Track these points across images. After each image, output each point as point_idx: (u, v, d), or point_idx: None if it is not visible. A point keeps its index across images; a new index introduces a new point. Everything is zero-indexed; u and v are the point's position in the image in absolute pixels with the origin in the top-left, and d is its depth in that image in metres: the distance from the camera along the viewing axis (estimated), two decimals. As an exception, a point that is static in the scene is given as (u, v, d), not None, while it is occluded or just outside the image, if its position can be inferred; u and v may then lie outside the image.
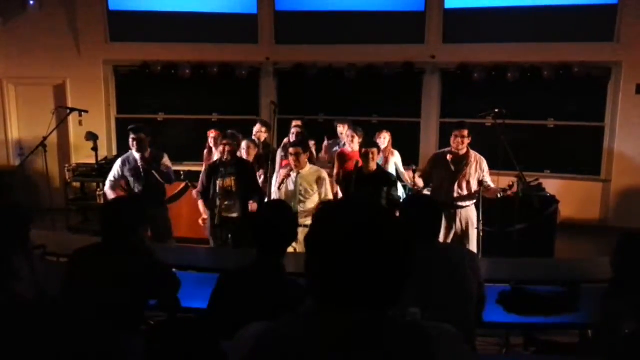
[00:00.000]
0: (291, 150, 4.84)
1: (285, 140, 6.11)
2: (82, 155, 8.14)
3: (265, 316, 1.35)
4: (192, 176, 6.65)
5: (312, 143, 5.84)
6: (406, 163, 5.76)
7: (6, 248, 2.73)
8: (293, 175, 4.81)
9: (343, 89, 8.11)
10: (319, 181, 4.81)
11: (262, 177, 5.40)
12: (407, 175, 5.98)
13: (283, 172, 4.90)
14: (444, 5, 7.86)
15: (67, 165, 7.81)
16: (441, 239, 4.17)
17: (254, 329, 1.28)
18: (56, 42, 8.27)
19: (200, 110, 8.45)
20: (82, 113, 6.63)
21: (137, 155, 5.06)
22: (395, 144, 6.07)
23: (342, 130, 6.20)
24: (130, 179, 5.10)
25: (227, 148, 4.85)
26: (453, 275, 2.49)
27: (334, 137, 6.50)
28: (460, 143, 4.80)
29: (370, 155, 4.77)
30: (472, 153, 4.89)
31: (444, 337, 1.19)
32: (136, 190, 5.08)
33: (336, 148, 6.21)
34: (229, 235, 4.96)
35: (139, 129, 5.09)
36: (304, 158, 4.80)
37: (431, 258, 2.46)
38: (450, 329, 1.22)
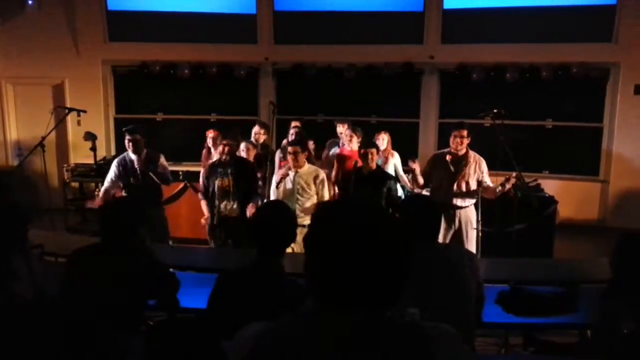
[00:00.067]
0: (290, 149, 4.84)
1: (284, 141, 6.10)
2: (81, 155, 8.13)
3: (264, 316, 1.35)
4: (191, 176, 6.65)
5: (311, 144, 5.84)
6: (406, 163, 5.74)
7: (5, 248, 2.72)
8: (291, 174, 4.81)
9: (342, 89, 8.11)
10: (317, 180, 4.81)
11: (261, 178, 5.39)
12: (405, 177, 5.97)
13: (281, 170, 4.91)
14: (442, 6, 7.86)
15: (65, 165, 7.80)
16: (440, 239, 4.18)
17: (254, 329, 1.28)
18: (55, 42, 8.26)
19: (199, 110, 8.45)
20: (81, 113, 6.62)
21: (133, 156, 5.05)
22: (394, 144, 6.06)
23: (342, 130, 6.19)
24: (127, 181, 5.08)
25: (226, 148, 4.85)
26: (452, 275, 2.49)
27: (333, 137, 6.48)
28: (460, 143, 4.80)
29: (370, 156, 4.78)
30: (471, 153, 4.89)
31: (443, 337, 1.19)
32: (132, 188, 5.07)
33: (335, 148, 6.20)
34: (229, 236, 4.95)
35: (134, 129, 5.08)
36: (302, 157, 4.80)
37: (430, 258, 2.46)
38: (450, 329, 1.22)
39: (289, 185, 4.81)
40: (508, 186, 4.71)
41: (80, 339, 1.93)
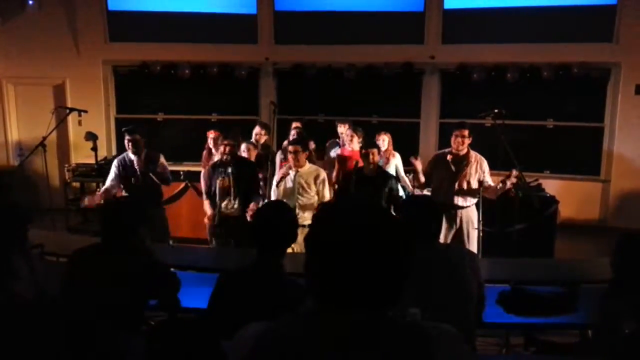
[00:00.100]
0: (290, 148, 4.84)
1: (285, 142, 6.10)
2: (82, 155, 8.14)
3: (264, 316, 1.35)
4: (192, 176, 6.65)
5: (311, 144, 5.82)
6: (407, 162, 5.75)
7: (5, 248, 2.73)
8: (292, 173, 4.81)
9: (342, 89, 8.11)
10: (318, 180, 4.81)
11: (262, 179, 5.39)
12: (406, 178, 5.97)
13: (282, 170, 4.91)
14: (443, 6, 7.86)
15: (66, 165, 7.81)
16: (441, 239, 4.17)
17: (254, 329, 1.28)
18: (55, 42, 8.26)
19: (200, 110, 8.45)
20: (82, 113, 6.63)
21: (132, 157, 5.05)
22: (395, 144, 6.06)
23: (342, 130, 6.18)
24: (127, 181, 5.08)
25: (227, 148, 4.85)
26: (453, 275, 2.49)
27: (334, 137, 6.47)
28: (461, 143, 4.80)
29: (371, 156, 4.78)
30: (473, 153, 4.89)
31: (444, 337, 1.19)
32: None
33: (336, 148, 6.19)
34: (229, 235, 4.95)
35: (134, 129, 5.08)
36: (303, 156, 4.80)
37: (431, 258, 2.46)
38: (450, 329, 1.22)
39: (290, 185, 4.81)
40: (509, 183, 4.71)
41: (80, 339, 1.93)
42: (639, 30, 7.27)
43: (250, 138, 5.90)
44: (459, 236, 4.86)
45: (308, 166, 4.88)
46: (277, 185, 4.87)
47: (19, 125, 8.61)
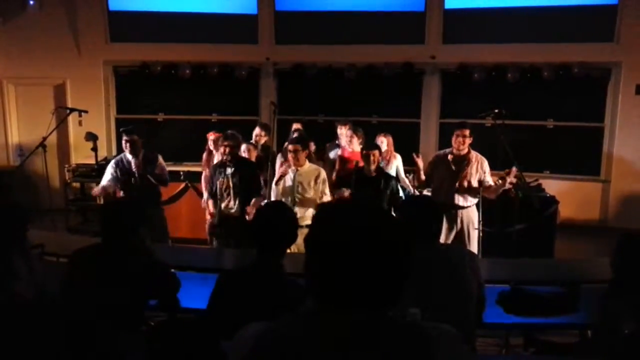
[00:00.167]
0: (290, 147, 4.83)
1: (286, 144, 6.08)
2: (82, 155, 8.14)
3: (264, 316, 1.35)
4: (192, 177, 6.66)
5: (311, 145, 5.81)
6: (408, 162, 5.75)
7: (5, 248, 2.73)
8: (291, 172, 4.81)
9: (343, 90, 8.11)
10: (318, 179, 4.80)
11: (262, 180, 5.39)
12: (407, 180, 5.96)
13: (282, 168, 4.91)
14: (443, 6, 7.86)
15: (66, 166, 7.81)
16: (442, 239, 4.18)
17: (254, 329, 1.28)
18: (56, 42, 8.27)
19: (200, 110, 8.45)
20: (82, 113, 6.63)
21: (130, 157, 5.04)
22: (395, 144, 6.06)
23: (342, 131, 6.17)
24: (124, 182, 5.07)
25: (227, 149, 4.84)
26: (453, 275, 2.49)
27: (333, 138, 6.46)
28: (462, 143, 4.80)
29: (372, 157, 4.77)
30: (474, 153, 4.89)
31: (444, 337, 1.19)
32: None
33: (335, 150, 6.17)
34: (230, 235, 4.95)
35: (132, 130, 5.08)
36: (302, 155, 4.80)
37: (431, 258, 2.46)
38: (450, 330, 1.22)
39: (289, 183, 4.81)
40: (509, 180, 4.71)
41: (80, 339, 1.93)
42: (639, 30, 7.27)
43: (250, 139, 5.90)
44: (460, 236, 4.86)
45: (308, 165, 4.87)
46: (276, 184, 4.87)
47: (19, 125, 8.61)
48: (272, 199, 4.96)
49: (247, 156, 5.38)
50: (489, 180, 4.86)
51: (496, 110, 5.24)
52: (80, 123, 7.95)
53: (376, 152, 4.84)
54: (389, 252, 1.14)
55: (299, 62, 8.11)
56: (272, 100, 7.15)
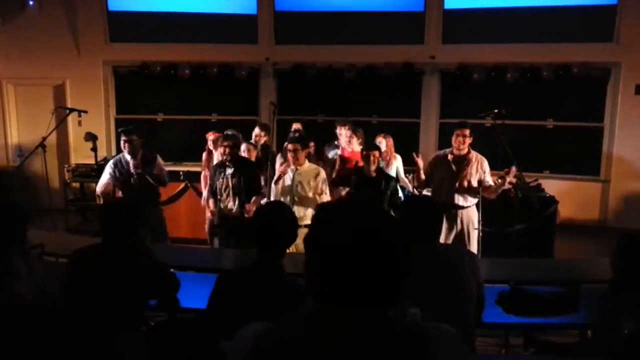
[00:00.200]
0: (290, 146, 4.84)
1: (286, 143, 6.08)
2: (82, 155, 8.14)
3: (264, 316, 1.35)
4: (191, 177, 6.66)
5: (311, 145, 5.81)
6: (407, 162, 5.75)
7: (5, 248, 2.73)
8: (291, 171, 4.81)
9: (342, 90, 8.11)
10: (318, 179, 4.80)
11: (262, 180, 5.39)
12: (407, 180, 5.96)
13: (281, 167, 4.91)
14: (443, 6, 7.86)
15: (66, 166, 7.81)
16: (442, 239, 4.18)
17: (254, 329, 1.28)
18: (56, 43, 8.27)
19: (200, 110, 8.45)
20: (82, 113, 6.63)
21: (128, 157, 5.04)
22: (395, 144, 6.06)
23: (341, 131, 6.16)
24: (122, 182, 5.07)
25: (227, 149, 4.84)
26: (453, 275, 2.49)
27: (333, 138, 6.45)
28: (462, 142, 4.81)
29: (372, 158, 4.77)
30: (474, 153, 4.89)
31: (444, 337, 1.19)
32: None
33: (335, 151, 6.17)
34: (230, 235, 4.95)
35: (130, 130, 5.07)
36: (302, 155, 4.80)
37: (431, 258, 2.46)
38: (450, 330, 1.22)
39: (288, 182, 4.81)
40: (508, 179, 4.72)
41: (80, 339, 1.93)
42: (639, 30, 7.27)
43: (250, 139, 5.90)
44: (460, 237, 4.86)
45: (308, 165, 4.88)
46: (275, 183, 4.87)
47: (18, 125, 8.61)
48: (272, 198, 4.96)
49: (246, 156, 5.38)
50: (489, 180, 4.86)
51: (496, 110, 5.24)
52: (79, 123, 7.95)
53: (376, 152, 4.84)
54: (389, 252, 1.14)
55: (299, 62, 8.11)
56: (272, 100, 7.15)
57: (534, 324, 3.12)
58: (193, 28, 8.25)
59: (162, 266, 2.89)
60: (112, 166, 5.11)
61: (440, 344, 1.16)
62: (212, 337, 1.70)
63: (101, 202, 5.19)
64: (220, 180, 4.88)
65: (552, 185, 6.76)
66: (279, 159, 5.85)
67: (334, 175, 5.49)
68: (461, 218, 4.86)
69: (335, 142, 6.27)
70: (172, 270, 3.10)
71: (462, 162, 4.85)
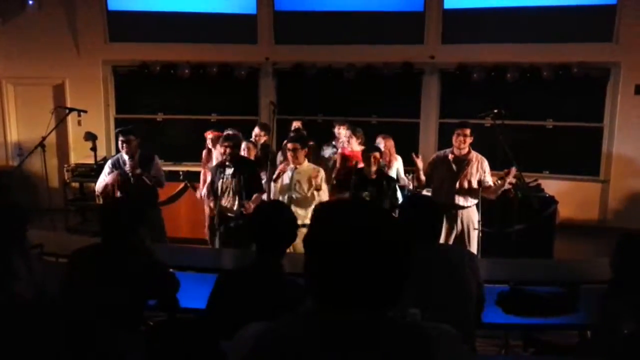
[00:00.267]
0: (289, 145, 4.84)
1: (285, 142, 6.08)
2: (81, 155, 8.14)
3: (264, 316, 1.35)
4: (191, 176, 6.66)
5: (311, 144, 5.82)
6: (407, 162, 5.76)
7: (5, 248, 2.73)
8: (289, 170, 4.80)
9: (342, 89, 8.11)
10: (317, 178, 4.80)
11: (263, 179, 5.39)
12: (407, 180, 5.96)
13: (281, 166, 4.91)
14: (443, 6, 7.86)
15: (66, 166, 7.81)
16: (442, 239, 4.18)
17: (253, 329, 1.28)
18: (55, 42, 8.26)
19: (200, 110, 8.44)
20: (81, 113, 6.62)
21: (126, 158, 5.04)
22: (395, 145, 6.06)
23: (340, 131, 6.16)
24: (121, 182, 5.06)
25: (227, 149, 4.84)
26: (453, 275, 2.49)
27: (331, 138, 6.45)
28: (462, 142, 4.81)
29: (372, 159, 4.77)
30: (474, 153, 4.89)
31: (444, 337, 1.19)
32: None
33: (334, 150, 6.16)
34: (229, 235, 4.95)
35: (128, 131, 5.06)
36: (301, 154, 4.80)
37: (431, 258, 2.46)
38: (450, 330, 1.22)
39: (287, 181, 4.82)
40: (508, 180, 4.72)
41: (80, 339, 1.93)
42: (639, 30, 7.27)
43: (250, 138, 5.90)
44: (460, 237, 4.86)
45: (307, 164, 4.88)
46: (274, 181, 4.87)
47: (18, 125, 8.61)
48: (271, 196, 4.96)
49: (246, 154, 5.38)
50: (489, 180, 4.86)
51: (495, 110, 5.24)
52: (79, 123, 7.96)
53: (377, 153, 4.84)
54: (389, 252, 1.14)
55: (299, 62, 8.11)
56: (272, 100, 7.15)
57: (533, 324, 3.12)
58: (193, 28, 8.25)
59: (161, 266, 2.89)
60: (110, 166, 5.10)
61: (440, 344, 1.16)
62: (211, 337, 1.70)
63: (101, 201, 5.18)
64: (221, 180, 4.88)
65: (551, 186, 6.76)
66: (279, 158, 5.86)
67: (334, 174, 5.49)
68: (461, 218, 4.86)
69: (333, 142, 6.27)
70: (171, 270, 3.10)
71: (463, 162, 4.85)
